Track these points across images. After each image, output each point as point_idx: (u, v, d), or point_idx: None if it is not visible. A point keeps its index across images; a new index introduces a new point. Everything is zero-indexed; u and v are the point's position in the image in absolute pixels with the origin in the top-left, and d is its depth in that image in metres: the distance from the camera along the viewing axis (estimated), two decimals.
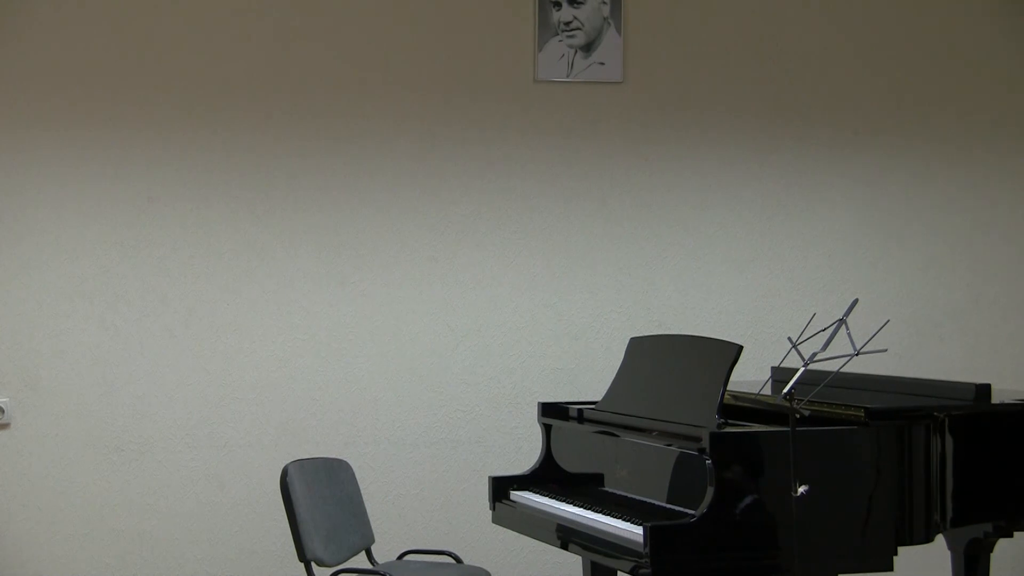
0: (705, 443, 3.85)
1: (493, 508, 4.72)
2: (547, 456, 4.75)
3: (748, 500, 3.83)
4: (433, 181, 5.71)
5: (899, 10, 6.04)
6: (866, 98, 6.00)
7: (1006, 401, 4.29)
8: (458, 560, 5.08)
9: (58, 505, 5.46)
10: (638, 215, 5.84)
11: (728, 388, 4.15)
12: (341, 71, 5.66)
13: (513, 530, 4.68)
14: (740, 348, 4.15)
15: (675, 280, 5.85)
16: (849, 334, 3.79)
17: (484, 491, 4.85)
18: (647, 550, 3.76)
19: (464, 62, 5.74)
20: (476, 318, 5.73)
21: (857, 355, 3.75)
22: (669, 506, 4.06)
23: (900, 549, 3.98)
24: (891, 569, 3.96)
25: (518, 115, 5.76)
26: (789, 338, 3.85)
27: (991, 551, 4.34)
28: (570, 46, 5.76)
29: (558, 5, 5.74)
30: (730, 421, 4.10)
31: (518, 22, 5.75)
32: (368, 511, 5.10)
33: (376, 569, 4.86)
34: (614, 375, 4.68)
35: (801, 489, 3.68)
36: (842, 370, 3.89)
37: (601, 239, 5.82)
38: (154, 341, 5.53)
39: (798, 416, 3.73)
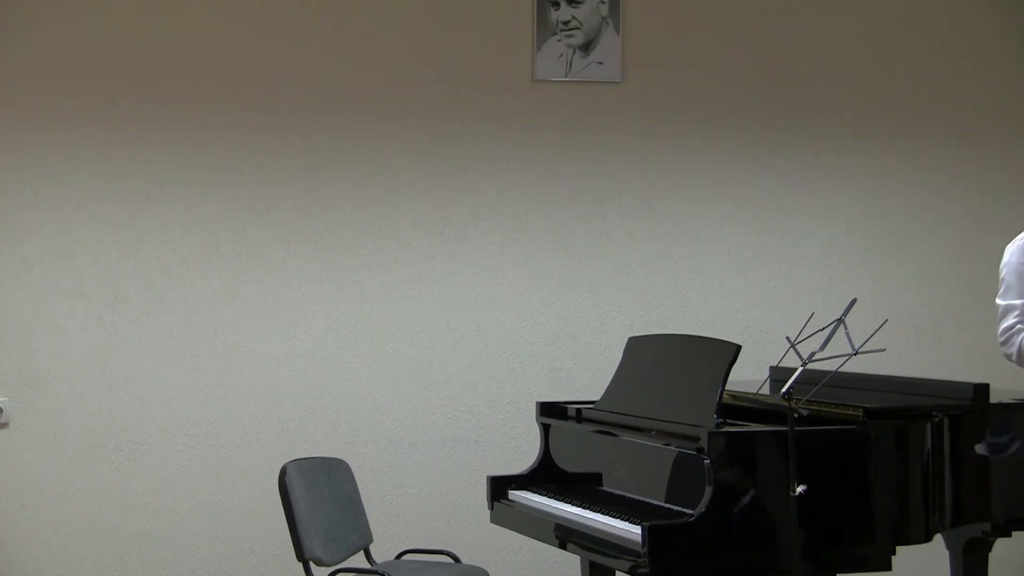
0: (703, 442, 3.85)
1: (491, 508, 4.72)
2: (545, 456, 4.75)
3: (746, 499, 3.83)
4: (432, 181, 5.71)
5: (899, 10, 6.05)
6: (866, 98, 6.00)
7: (1004, 401, 4.29)
8: (456, 560, 5.07)
9: (57, 504, 5.45)
10: (637, 214, 5.84)
11: (727, 387, 4.14)
12: (340, 70, 5.66)
13: (511, 530, 4.67)
14: (739, 348, 4.14)
15: (674, 280, 5.85)
16: (847, 334, 3.78)
17: (482, 491, 4.84)
18: (645, 549, 3.75)
19: (463, 61, 5.73)
20: (475, 318, 5.72)
21: (856, 355, 3.75)
22: (667, 505, 4.06)
23: (899, 549, 3.97)
24: (890, 569, 3.95)
25: (517, 114, 5.76)
26: (788, 337, 3.84)
27: (989, 551, 4.34)
28: (569, 45, 5.76)
29: (556, 4, 5.73)
30: (728, 420, 4.10)
31: (517, 21, 5.75)
32: (367, 511, 5.10)
33: (374, 568, 4.86)
34: (612, 375, 4.68)
35: (799, 488, 3.68)
36: (841, 369, 3.89)
37: (600, 238, 5.81)
38: (153, 340, 5.53)
39: (796, 415, 3.72)
